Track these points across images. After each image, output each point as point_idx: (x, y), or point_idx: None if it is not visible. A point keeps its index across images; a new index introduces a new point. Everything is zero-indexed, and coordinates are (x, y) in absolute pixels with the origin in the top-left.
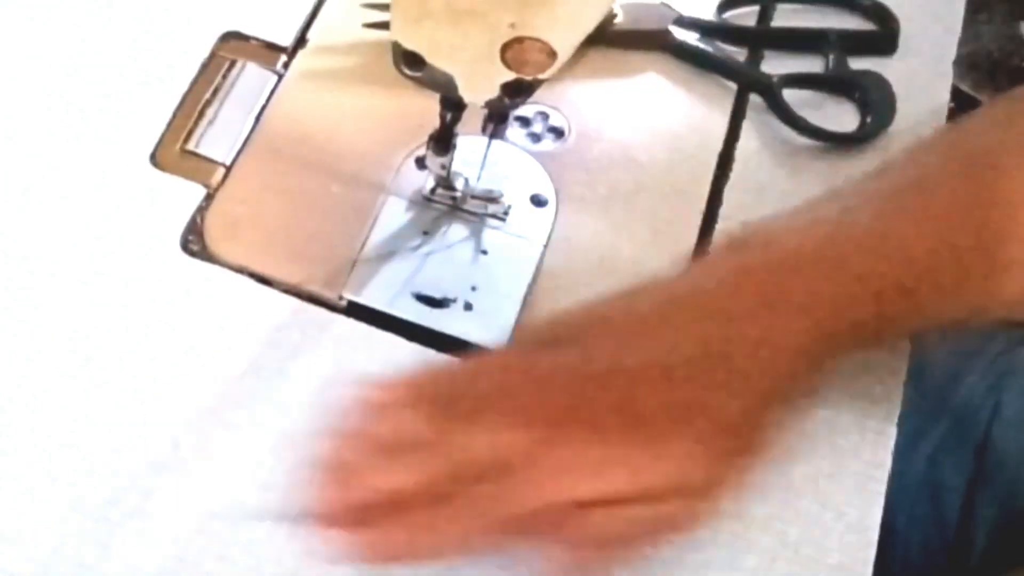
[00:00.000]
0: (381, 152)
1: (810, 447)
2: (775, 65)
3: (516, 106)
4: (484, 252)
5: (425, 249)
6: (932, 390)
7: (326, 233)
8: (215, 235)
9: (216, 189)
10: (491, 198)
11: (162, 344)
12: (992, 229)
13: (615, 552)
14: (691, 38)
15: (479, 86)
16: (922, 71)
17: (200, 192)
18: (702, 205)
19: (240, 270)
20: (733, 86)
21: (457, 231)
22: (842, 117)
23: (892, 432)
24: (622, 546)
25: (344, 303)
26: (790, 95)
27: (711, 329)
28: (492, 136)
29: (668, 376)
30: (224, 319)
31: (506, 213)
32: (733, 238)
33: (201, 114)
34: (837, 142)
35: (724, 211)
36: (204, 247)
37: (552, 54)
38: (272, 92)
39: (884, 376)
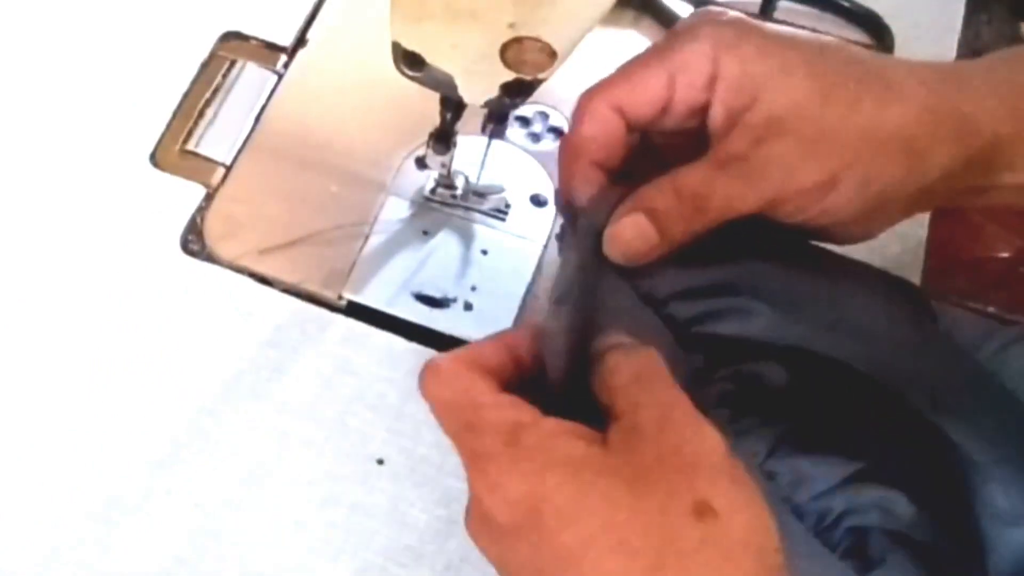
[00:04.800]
0: (381, 152)
1: None
2: None
3: (516, 106)
4: (484, 252)
5: (425, 249)
6: None
7: (326, 233)
8: (215, 235)
9: (216, 189)
10: (493, 192)
11: (162, 344)
12: None
13: None
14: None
15: (479, 86)
16: None
17: (200, 192)
18: None
19: (240, 270)
20: None
21: (457, 231)
22: None
23: None
24: None
25: (344, 303)
26: None
27: None
28: (492, 136)
29: None
30: (224, 319)
31: (508, 207)
32: None
33: (201, 114)
34: None
35: None
36: (204, 247)
37: (552, 54)
38: (272, 92)
39: None
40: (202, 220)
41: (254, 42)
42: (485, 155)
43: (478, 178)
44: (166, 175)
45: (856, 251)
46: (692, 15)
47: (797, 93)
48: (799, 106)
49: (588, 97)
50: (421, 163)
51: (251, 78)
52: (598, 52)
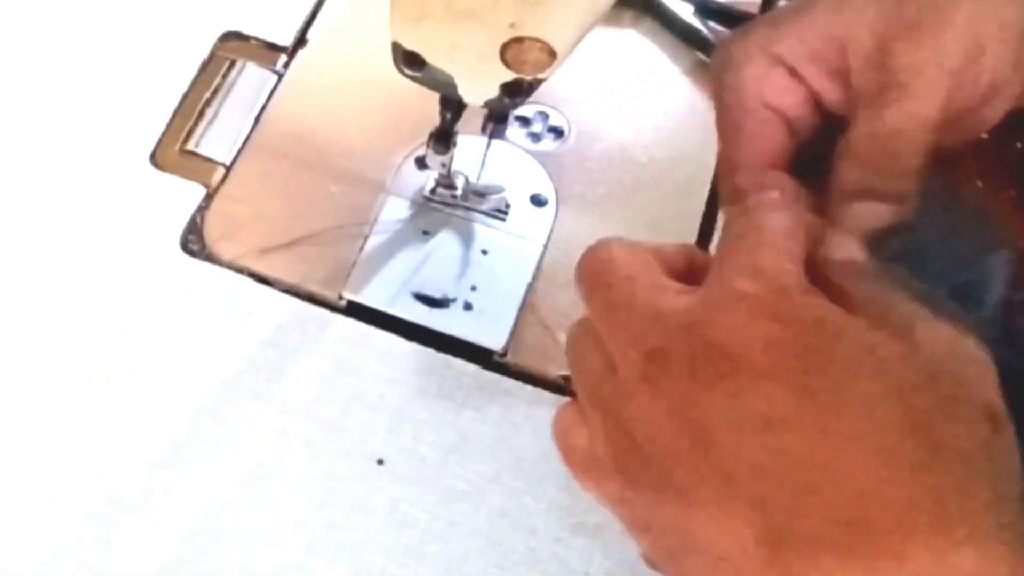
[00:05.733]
0: (381, 152)
1: None
2: None
3: (516, 106)
4: (484, 252)
5: (425, 249)
6: None
7: (326, 233)
8: (215, 235)
9: (216, 189)
10: (493, 192)
11: (162, 344)
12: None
13: None
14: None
15: (479, 86)
16: None
17: (200, 192)
18: (702, 205)
19: (240, 270)
20: None
21: (457, 231)
22: None
23: None
24: None
25: (344, 303)
26: None
27: None
28: (492, 136)
29: None
30: (224, 319)
31: (508, 207)
32: None
33: (201, 114)
34: None
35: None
36: (204, 247)
37: (552, 54)
38: (272, 92)
39: None
40: (202, 220)
41: (254, 42)
42: (485, 155)
43: (478, 178)
44: (166, 175)
45: None
46: None
47: None
48: None
49: None
50: (421, 163)
51: (251, 78)
52: (598, 52)
